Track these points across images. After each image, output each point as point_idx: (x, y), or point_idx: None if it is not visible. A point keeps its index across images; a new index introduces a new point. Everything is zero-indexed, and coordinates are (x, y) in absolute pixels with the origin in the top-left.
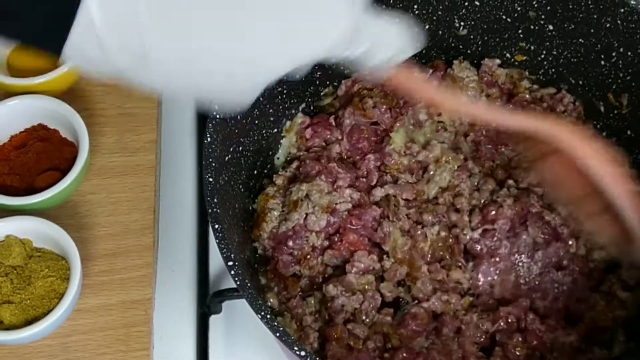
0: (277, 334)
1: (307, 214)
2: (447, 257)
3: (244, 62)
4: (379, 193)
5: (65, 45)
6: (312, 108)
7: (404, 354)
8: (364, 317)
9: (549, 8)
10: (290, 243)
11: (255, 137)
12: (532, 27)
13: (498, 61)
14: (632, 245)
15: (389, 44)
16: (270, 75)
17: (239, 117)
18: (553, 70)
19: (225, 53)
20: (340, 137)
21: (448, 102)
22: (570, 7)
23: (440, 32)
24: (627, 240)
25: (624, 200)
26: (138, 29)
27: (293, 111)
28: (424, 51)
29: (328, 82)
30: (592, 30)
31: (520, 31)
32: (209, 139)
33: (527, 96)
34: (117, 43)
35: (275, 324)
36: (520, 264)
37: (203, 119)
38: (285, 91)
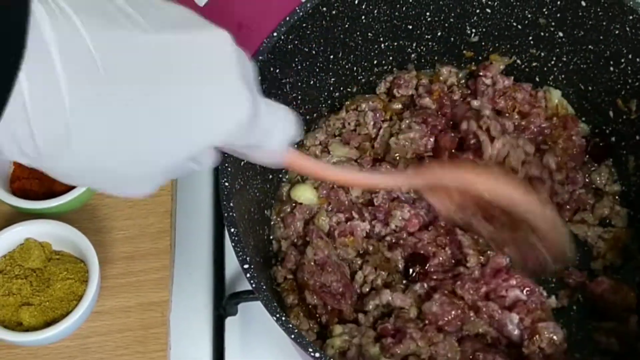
0: (292, 336)
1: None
2: None
3: (148, 149)
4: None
5: None
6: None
7: None
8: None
9: (559, 15)
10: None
11: None
12: (542, 33)
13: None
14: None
15: (282, 129)
16: (169, 164)
17: None
18: (563, 76)
19: (134, 136)
20: None
21: (338, 177)
22: (580, 14)
23: (452, 38)
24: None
25: (533, 212)
26: (64, 119)
27: (307, 117)
28: (436, 57)
29: (342, 88)
30: (601, 37)
31: (530, 38)
32: None
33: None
34: (44, 129)
35: (290, 325)
36: None
37: None
38: (299, 97)
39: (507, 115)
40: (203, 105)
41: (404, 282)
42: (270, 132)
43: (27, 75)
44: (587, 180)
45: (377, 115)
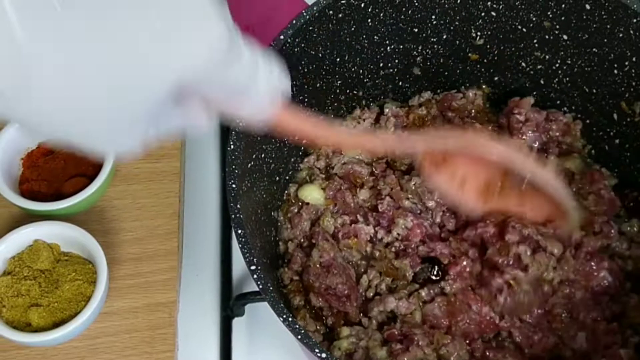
0: (299, 337)
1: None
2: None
3: (116, 81)
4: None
5: None
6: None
7: None
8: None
9: (563, 18)
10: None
11: (278, 145)
12: (547, 37)
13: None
14: (566, 218)
15: (266, 73)
16: (144, 98)
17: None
18: (567, 79)
19: (97, 68)
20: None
21: (341, 137)
22: (584, 17)
23: (457, 42)
24: (561, 215)
25: (544, 177)
26: (18, 60)
27: None
28: (441, 60)
29: (347, 90)
30: (605, 40)
31: (535, 41)
32: (232, 147)
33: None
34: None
35: (297, 326)
36: None
37: (226, 127)
38: (306, 99)
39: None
40: (171, 32)
41: (416, 285)
42: (254, 76)
43: None
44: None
45: (399, 120)
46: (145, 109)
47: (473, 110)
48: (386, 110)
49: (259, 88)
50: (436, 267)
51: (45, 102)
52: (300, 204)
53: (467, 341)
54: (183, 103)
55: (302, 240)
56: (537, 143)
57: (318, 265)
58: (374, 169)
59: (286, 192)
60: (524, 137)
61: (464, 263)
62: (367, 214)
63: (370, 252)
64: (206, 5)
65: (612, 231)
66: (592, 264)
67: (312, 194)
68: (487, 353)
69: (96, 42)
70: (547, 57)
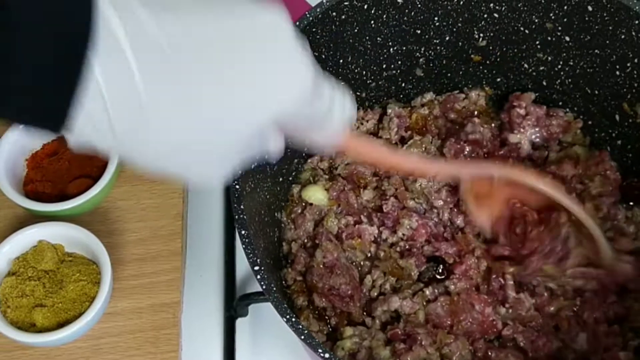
0: (302, 337)
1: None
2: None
3: (223, 120)
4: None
5: (69, 122)
6: None
7: None
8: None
9: (565, 20)
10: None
11: None
12: (549, 38)
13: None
14: (601, 256)
15: (341, 103)
16: (242, 134)
17: None
18: (569, 80)
19: (205, 108)
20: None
21: (400, 162)
22: (587, 19)
23: (460, 43)
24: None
25: (584, 216)
26: (138, 103)
27: None
28: (444, 61)
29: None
30: (607, 42)
31: (537, 42)
32: None
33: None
34: (120, 117)
35: (300, 326)
36: None
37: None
38: None
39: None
40: (267, 76)
41: (421, 284)
42: (331, 109)
43: (100, 64)
44: (627, 215)
45: (402, 121)
46: (240, 145)
47: (476, 111)
48: (389, 111)
49: (334, 119)
50: (441, 266)
51: (159, 143)
52: (303, 204)
53: (470, 341)
54: (267, 133)
55: (305, 240)
56: (538, 139)
57: (321, 266)
58: (377, 170)
59: (290, 192)
60: (524, 131)
61: (469, 262)
62: (371, 214)
63: (374, 252)
64: (296, 49)
65: (619, 215)
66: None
67: (316, 195)
68: (490, 353)
69: (201, 84)
70: (549, 58)
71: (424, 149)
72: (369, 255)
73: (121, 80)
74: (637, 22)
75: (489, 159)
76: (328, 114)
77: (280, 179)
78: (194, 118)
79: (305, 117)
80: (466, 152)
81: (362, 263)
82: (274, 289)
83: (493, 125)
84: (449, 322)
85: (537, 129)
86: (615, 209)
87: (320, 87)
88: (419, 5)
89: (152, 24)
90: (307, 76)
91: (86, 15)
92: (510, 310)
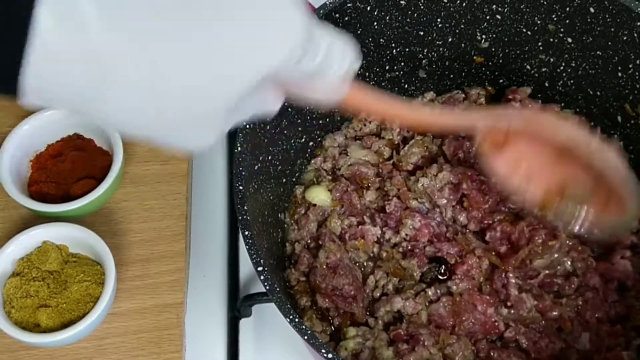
0: (305, 337)
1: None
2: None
3: (203, 80)
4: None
5: (21, 81)
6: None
7: None
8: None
9: (568, 21)
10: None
11: (284, 147)
12: (551, 39)
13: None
14: (625, 207)
15: (340, 55)
16: (229, 94)
17: (268, 127)
18: (572, 81)
19: (183, 67)
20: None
21: (404, 113)
22: (589, 20)
23: (462, 44)
24: (619, 210)
25: (608, 158)
26: (93, 47)
27: (320, 121)
28: (447, 63)
29: None
30: (609, 43)
31: (540, 44)
32: (239, 149)
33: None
34: (75, 68)
35: (304, 327)
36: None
37: (234, 129)
38: None
39: None
40: (256, 27)
41: (423, 285)
42: (330, 61)
43: (49, 11)
44: None
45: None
46: (228, 106)
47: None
48: None
49: (333, 71)
50: (443, 267)
51: (124, 101)
52: (307, 205)
53: (473, 341)
54: (259, 90)
55: (309, 241)
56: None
57: (324, 266)
58: (380, 170)
59: (293, 193)
60: None
61: (471, 262)
62: (374, 215)
63: (377, 252)
64: (286, 1)
65: None
66: (616, 254)
67: (319, 196)
68: (492, 353)
69: (179, 42)
70: (551, 59)
71: (425, 148)
72: (372, 255)
73: (72, 27)
74: (639, 23)
75: None
76: (325, 66)
77: (284, 180)
78: (167, 79)
79: (300, 71)
80: (465, 148)
81: (365, 264)
82: (278, 289)
83: None
84: (451, 323)
85: None
86: None
87: (315, 38)
88: (422, 7)
89: None
90: (299, 27)
91: None
92: (512, 311)
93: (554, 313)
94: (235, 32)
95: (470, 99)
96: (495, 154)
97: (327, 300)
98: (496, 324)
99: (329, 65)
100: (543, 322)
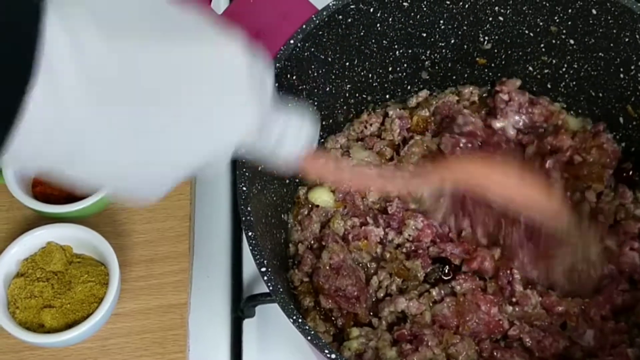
0: (309, 337)
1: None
2: None
3: (157, 160)
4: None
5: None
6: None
7: None
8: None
9: (570, 23)
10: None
11: None
12: (553, 41)
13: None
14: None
15: (294, 135)
16: (184, 173)
17: None
18: (574, 83)
19: (144, 154)
20: None
21: (353, 182)
22: (591, 22)
23: (465, 46)
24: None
25: (545, 215)
26: (72, 127)
27: (323, 123)
28: (449, 64)
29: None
30: (611, 45)
31: (542, 45)
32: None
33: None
34: (52, 148)
35: (307, 327)
36: None
37: None
38: (316, 103)
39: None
40: (212, 117)
41: (427, 285)
42: (282, 140)
43: (41, 86)
44: (636, 197)
45: (404, 122)
46: (184, 173)
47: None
48: (390, 113)
49: (285, 147)
50: (447, 267)
51: (90, 170)
52: (310, 206)
53: (476, 341)
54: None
55: (312, 242)
56: (521, 125)
57: (327, 267)
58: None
59: (296, 194)
60: (507, 117)
61: (479, 259)
62: (377, 216)
63: (380, 253)
64: (249, 89)
65: (628, 195)
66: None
67: (322, 197)
68: (495, 353)
69: (146, 114)
70: (553, 61)
71: (425, 147)
72: (375, 256)
73: (55, 108)
74: None
75: (484, 149)
76: (278, 145)
77: (287, 181)
78: (129, 157)
79: (254, 148)
80: (462, 145)
81: (368, 264)
82: (281, 290)
83: (483, 112)
84: (455, 323)
85: (519, 116)
86: (624, 187)
87: (270, 123)
88: (425, 9)
89: (102, 47)
90: (254, 117)
91: (30, 42)
92: (517, 308)
93: (560, 308)
94: (191, 120)
95: (462, 97)
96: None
97: (330, 300)
98: (500, 322)
99: (282, 146)
100: (548, 318)
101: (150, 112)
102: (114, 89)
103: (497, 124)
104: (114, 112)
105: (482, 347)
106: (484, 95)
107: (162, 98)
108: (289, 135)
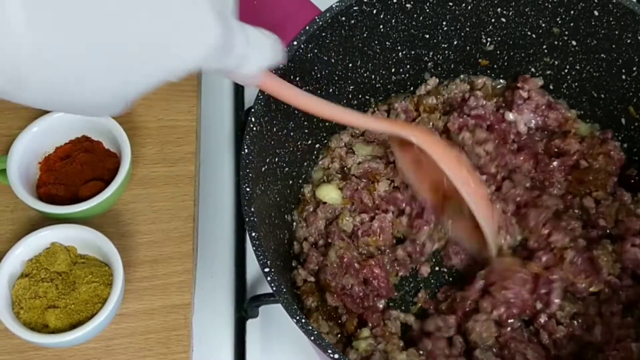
0: (312, 338)
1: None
2: None
3: (116, 77)
4: None
5: None
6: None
7: None
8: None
9: (572, 24)
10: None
11: (291, 149)
12: (556, 42)
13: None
14: (485, 247)
15: (260, 54)
16: (141, 89)
17: (275, 129)
18: (576, 84)
19: (98, 68)
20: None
21: (311, 104)
22: (593, 23)
23: (467, 47)
24: (482, 241)
25: (475, 203)
26: (13, 51)
27: (327, 123)
28: (452, 65)
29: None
30: (613, 46)
31: (544, 47)
32: (246, 151)
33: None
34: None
35: (310, 327)
36: None
37: (241, 131)
38: None
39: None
40: (171, 33)
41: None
42: (247, 58)
43: None
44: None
45: (408, 116)
46: (146, 91)
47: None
48: (396, 105)
49: (249, 65)
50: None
51: (40, 93)
52: (316, 203)
53: (505, 317)
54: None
55: (317, 238)
56: (532, 124)
57: (335, 265)
58: (388, 159)
59: (300, 194)
60: (521, 113)
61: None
62: (387, 209)
63: (407, 223)
64: (206, 8)
65: (626, 196)
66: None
67: (330, 194)
68: (510, 344)
69: (94, 41)
70: (556, 62)
71: (431, 125)
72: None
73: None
74: None
75: (489, 131)
76: (242, 62)
77: (290, 182)
78: (86, 81)
79: (215, 66)
80: (469, 126)
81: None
82: (284, 290)
83: (494, 101)
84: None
85: (534, 115)
86: (621, 190)
87: (230, 43)
88: (428, 10)
89: None
90: (212, 36)
91: None
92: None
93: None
94: (148, 34)
95: (475, 87)
96: (401, 151)
97: (336, 297)
98: (534, 305)
99: (246, 64)
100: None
101: (98, 26)
102: (58, 9)
103: (510, 116)
104: (61, 32)
105: (502, 329)
106: (498, 87)
107: (114, 16)
108: (254, 55)
